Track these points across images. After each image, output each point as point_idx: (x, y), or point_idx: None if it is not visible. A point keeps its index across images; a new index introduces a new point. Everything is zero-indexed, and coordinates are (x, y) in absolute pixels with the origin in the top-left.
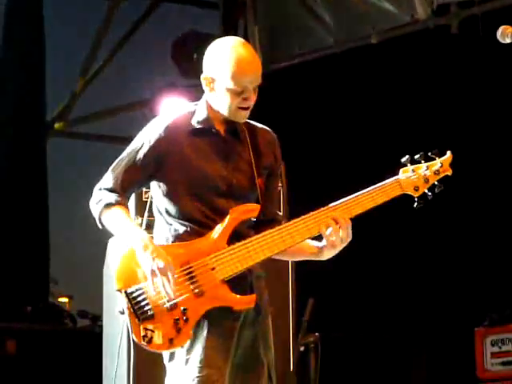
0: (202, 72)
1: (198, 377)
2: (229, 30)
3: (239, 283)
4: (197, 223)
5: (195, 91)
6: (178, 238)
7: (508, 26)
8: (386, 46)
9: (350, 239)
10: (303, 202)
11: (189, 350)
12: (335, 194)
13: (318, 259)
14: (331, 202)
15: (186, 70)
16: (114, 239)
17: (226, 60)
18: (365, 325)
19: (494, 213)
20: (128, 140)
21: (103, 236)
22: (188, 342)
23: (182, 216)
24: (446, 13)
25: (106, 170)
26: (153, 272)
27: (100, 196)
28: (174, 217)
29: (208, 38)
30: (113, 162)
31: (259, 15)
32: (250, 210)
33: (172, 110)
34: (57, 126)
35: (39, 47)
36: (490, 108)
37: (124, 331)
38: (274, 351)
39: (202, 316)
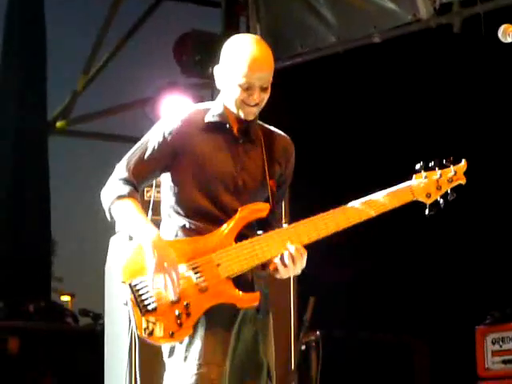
0: (203, 70)
1: (196, 374)
2: (230, 29)
3: (240, 281)
4: (203, 220)
5: (197, 90)
6: (185, 233)
7: (509, 25)
8: (388, 45)
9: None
10: (306, 208)
11: (188, 347)
12: (343, 198)
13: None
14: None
15: (188, 69)
16: (115, 237)
17: (237, 54)
18: (366, 323)
19: (496, 211)
20: (130, 138)
21: (106, 234)
22: (187, 338)
23: (189, 212)
24: (448, 12)
25: (108, 169)
26: (158, 269)
27: (113, 186)
28: (181, 212)
29: (210, 37)
30: (114, 160)
31: (261, 14)
32: (259, 210)
33: (187, 105)
34: (58, 124)
35: (40, 46)
36: (491, 107)
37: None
38: (275, 350)
39: (204, 312)
